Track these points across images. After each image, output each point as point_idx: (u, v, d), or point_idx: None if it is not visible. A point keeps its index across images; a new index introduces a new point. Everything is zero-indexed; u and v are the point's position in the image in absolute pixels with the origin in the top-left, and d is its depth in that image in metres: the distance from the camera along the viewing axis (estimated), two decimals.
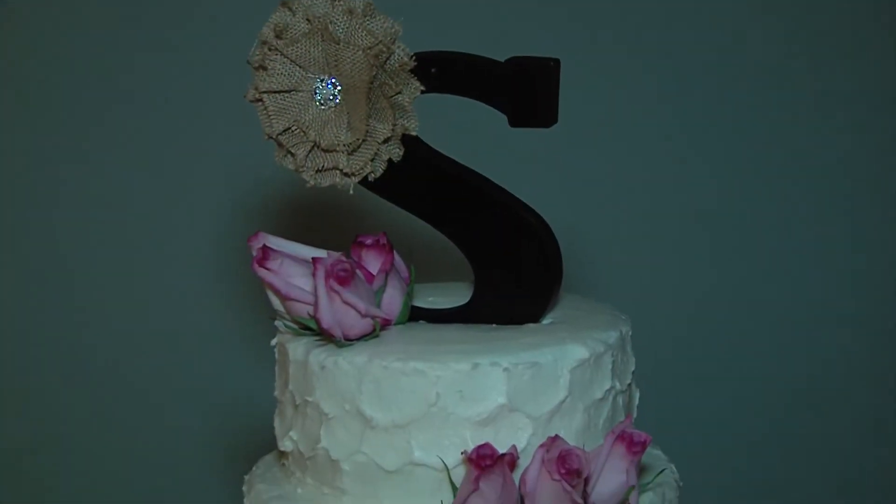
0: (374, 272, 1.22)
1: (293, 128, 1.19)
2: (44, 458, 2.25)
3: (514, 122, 1.20)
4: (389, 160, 1.19)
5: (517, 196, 1.22)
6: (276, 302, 1.22)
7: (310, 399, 1.18)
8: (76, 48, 2.11)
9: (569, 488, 1.11)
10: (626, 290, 2.20)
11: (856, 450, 2.39)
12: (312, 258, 1.18)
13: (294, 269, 1.19)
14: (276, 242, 1.21)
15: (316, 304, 1.17)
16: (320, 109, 1.18)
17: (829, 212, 2.30)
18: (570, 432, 1.16)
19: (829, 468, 2.39)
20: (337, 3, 1.16)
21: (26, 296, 2.19)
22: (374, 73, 1.16)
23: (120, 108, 2.12)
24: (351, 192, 1.21)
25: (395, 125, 1.18)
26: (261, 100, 1.18)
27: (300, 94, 1.18)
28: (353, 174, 1.19)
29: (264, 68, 1.18)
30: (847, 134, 2.29)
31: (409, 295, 1.24)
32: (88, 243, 2.17)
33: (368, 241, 1.23)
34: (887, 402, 2.38)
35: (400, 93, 1.18)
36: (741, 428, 2.36)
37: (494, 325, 1.24)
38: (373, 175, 1.19)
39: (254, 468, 1.29)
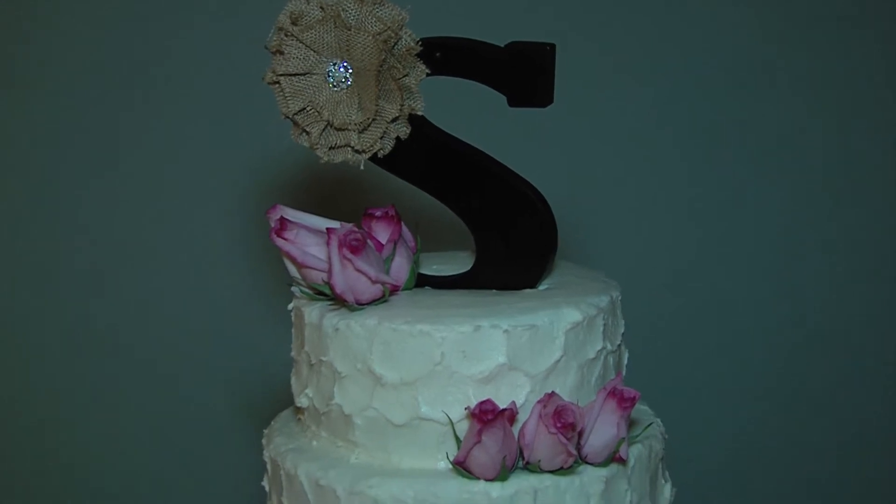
0: (384, 242, 1.22)
1: (308, 108, 1.18)
2: (75, 414, 2.25)
3: (513, 102, 1.19)
4: (397, 138, 1.19)
5: (515, 171, 1.22)
6: (292, 269, 1.22)
7: (324, 359, 1.18)
8: (103, 31, 2.11)
9: (564, 440, 1.11)
10: (616, 258, 2.20)
11: (845, 405, 2.39)
12: (326, 229, 1.18)
13: (309, 238, 1.19)
14: (292, 214, 1.21)
15: (330, 271, 1.17)
16: (333, 91, 1.18)
17: (815, 178, 2.30)
18: (565, 389, 1.16)
19: (813, 422, 2.39)
20: None
21: (53, 264, 2.19)
22: (383, 57, 1.16)
23: (149, 91, 2.11)
24: (362, 167, 1.21)
25: (402, 105, 1.18)
26: (278, 82, 1.18)
27: (314, 76, 1.18)
28: (363, 151, 1.19)
29: (281, 53, 1.17)
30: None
31: (415, 263, 1.24)
32: (120, 217, 2.17)
33: (378, 213, 1.22)
34: (878, 350, 2.38)
35: (407, 75, 1.18)
36: (725, 384, 2.36)
37: (494, 291, 1.24)
38: (382, 152, 1.19)
39: (272, 423, 1.29)
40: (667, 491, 1.24)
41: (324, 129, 1.19)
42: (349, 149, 1.19)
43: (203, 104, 2.11)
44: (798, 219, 2.31)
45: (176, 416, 2.26)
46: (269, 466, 1.24)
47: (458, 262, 1.29)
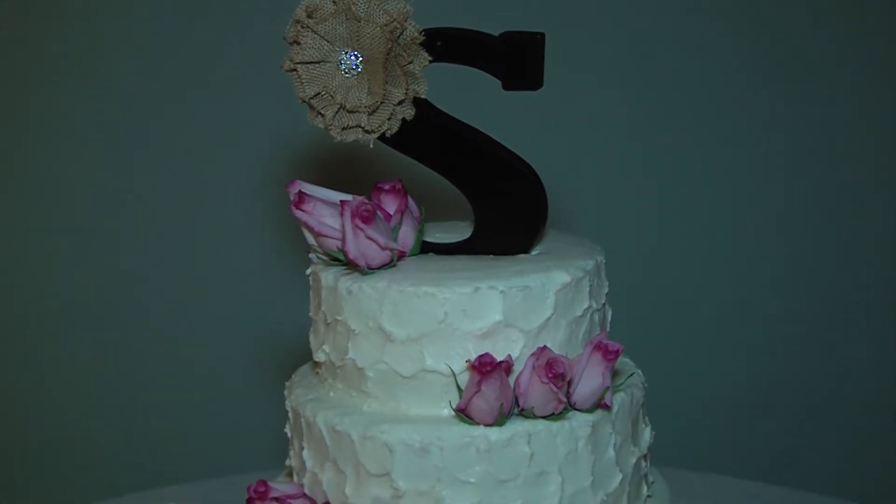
0: (392, 213, 1.22)
1: (322, 93, 1.18)
2: (114, 365, 2.26)
3: (507, 86, 1.19)
4: (403, 119, 1.19)
5: (509, 148, 1.22)
6: (310, 238, 1.22)
7: (339, 318, 1.19)
8: (142, 24, 2.11)
9: (555, 389, 1.12)
10: (601, 226, 2.20)
11: (818, 361, 2.39)
12: (340, 201, 1.18)
13: (325, 210, 1.19)
14: (309, 188, 1.21)
15: (343, 239, 1.18)
16: (345, 77, 1.18)
17: (787, 140, 2.29)
18: (555, 343, 1.16)
19: (787, 371, 2.39)
20: None
21: (96, 235, 2.19)
22: (390, 46, 1.16)
23: (182, 79, 2.11)
24: (371, 146, 1.21)
25: (407, 89, 1.18)
26: (295, 70, 1.18)
27: (328, 64, 1.18)
28: (372, 131, 1.19)
29: (298, 43, 1.17)
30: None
31: (420, 231, 1.25)
32: (156, 193, 2.17)
33: (386, 187, 1.22)
34: (859, 304, 2.37)
35: (411, 62, 1.17)
36: (699, 338, 2.36)
37: (491, 256, 1.24)
38: (389, 132, 1.19)
39: (293, 376, 1.30)
40: (647, 434, 1.25)
41: (337, 112, 1.19)
42: (360, 129, 1.19)
43: (229, 91, 2.11)
44: (775, 182, 2.30)
45: (208, 371, 2.26)
46: (290, 415, 1.25)
47: (459, 231, 1.29)
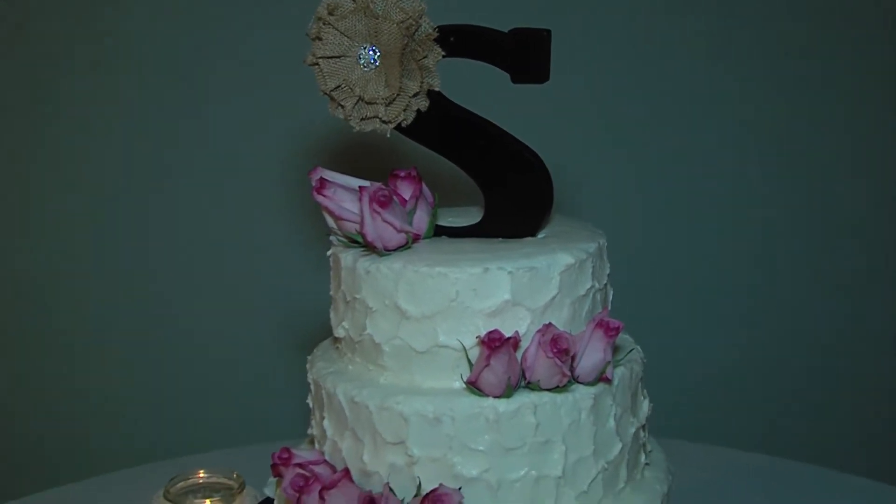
0: (407, 198, 1.22)
1: (342, 85, 1.18)
2: (151, 341, 2.27)
3: (515, 79, 1.20)
4: (418, 110, 1.19)
5: (517, 137, 1.22)
6: (330, 221, 1.22)
7: (357, 296, 1.19)
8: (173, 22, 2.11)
9: (559, 364, 1.12)
10: (603, 211, 2.20)
11: (808, 335, 2.39)
12: (359, 187, 1.19)
13: (344, 195, 1.20)
14: (330, 175, 1.21)
15: (362, 223, 1.18)
16: (364, 71, 1.18)
17: (786, 114, 2.28)
18: (560, 321, 1.17)
19: (776, 335, 2.39)
20: None
21: (136, 214, 2.20)
22: (406, 41, 1.16)
23: (214, 74, 2.12)
24: (388, 135, 1.21)
25: (422, 82, 1.18)
26: (317, 64, 1.18)
27: (348, 59, 1.18)
28: (389, 121, 1.19)
29: (320, 39, 1.17)
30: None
31: (433, 216, 1.25)
32: (191, 181, 2.18)
33: (402, 174, 1.23)
34: (854, 276, 2.37)
35: (426, 57, 1.18)
36: (694, 318, 2.36)
37: (500, 239, 1.24)
38: (405, 122, 1.19)
39: (315, 350, 1.30)
40: (645, 406, 1.25)
41: (356, 103, 1.19)
42: (377, 120, 1.19)
43: (256, 85, 2.12)
44: (768, 159, 2.30)
45: (236, 347, 2.27)
46: (312, 387, 1.25)
47: (470, 216, 1.29)
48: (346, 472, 1.14)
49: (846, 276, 2.37)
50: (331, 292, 1.26)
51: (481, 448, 1.12)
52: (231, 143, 2.16)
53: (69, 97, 2.13)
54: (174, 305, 2.26)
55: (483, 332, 1.12)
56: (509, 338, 1.11)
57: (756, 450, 1.97)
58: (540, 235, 1.25)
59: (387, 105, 1.18)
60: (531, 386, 1.14)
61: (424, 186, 1.24)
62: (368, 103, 1.18)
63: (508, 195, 1.23)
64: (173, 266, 2.23)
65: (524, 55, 1.18)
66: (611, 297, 1.27)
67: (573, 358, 1.14)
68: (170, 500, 1.68)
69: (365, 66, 1.18)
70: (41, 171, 2.17)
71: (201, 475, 1.74)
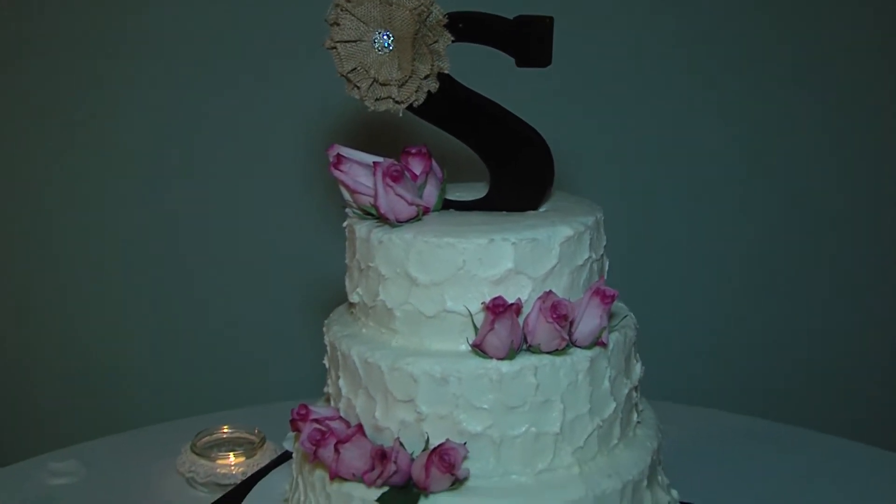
0: (418, 173, 1.22)
1: (358, 68, 1.18)
2: (178, 303, 2.28)
3: (520, 63, 1.19)
4: (429, 91, 1.19)
5: (521, 118, 1.22)
6: (346, 195, 1.22)
7: (371, 265, 1.19)
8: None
9: (559, 328, 1.12)
10: (601, 187, 2.20)
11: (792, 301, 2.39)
12: (373, 162, 1.19)
13: (359, 170, 1.20)
14: (346, 151, 1.21)
15: (375, 196, 1.18)
16: (378, 54, 1.18)
17: (794, 95, 2.28)
18: (559, 288, 1.17)
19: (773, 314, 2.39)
20: None
21: (167, 191, 2.20)
22: (418, 27, 1.15)
23: (239, 59, 2.12)
24: (400, 115, 1.21)
25: (432, 65, 1.18)
26: (335, 47, 1.18)
27: (363, 43, 1.17)
28: (402, 102, 1.19)
29: (337, 24, 1.17)
30: None
31: (442, 190, 1.25)
32: (219, 158, 2.19)
33: (413, 151, 1.22)
34: (842, 242, 2.36)
35: (436, 42, 1.17)
36: (685, 287, 2.36)
37: (505, 213, 1.24)
38: (416, 102, 1.19)
39: (331, 315, 1.30)
40: (637, 369, 1.25)
41: (371, 85, 1.18)
42: (391, 100, 1.19)
43: (278, 68, 2.12)
44: (762, 131, 2.29)
45: (259, 311, 2.28)
46: (328, 349, 1.25)
47: (476, 191, 1.29)
48: (360, 427, 1.15)
49: (836, 245, 2.36)
50: (346, 261, 1.26)
51: (485, 406, 1.12)
52: (257, 124, 2.16)
53: (107, 76, 2.14)
54: (203, 275, 2.26)
55: (488, 299, 1.12)
56: (512, 304, 1.11)
57: (739, 411, 1.97)
58: (542, 209, 1.25)
59: (399, 86, 1.18)
60: (532, 349, 1.14)
61: (434, 163, 1.24)
62: (382, 85, 1.18)
63: (512, 171, 1.23)
64: (203, 237, 2.23)
65: (527, 41, 1.17)
66: (607, 268, 1.27)
67: (571, 323, 1.15)
68: (196, 453, 1.69)
69: (379, 50, 1.18)
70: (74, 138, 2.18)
71: (225, 430, 1.76)
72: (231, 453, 1.70)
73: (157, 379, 2.34)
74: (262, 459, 1.67)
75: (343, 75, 1.19)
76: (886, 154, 2.33)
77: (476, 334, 1.14)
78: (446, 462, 1.08)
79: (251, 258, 2.26)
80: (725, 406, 2.03)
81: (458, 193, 1.28)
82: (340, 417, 1.19)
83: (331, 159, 1.20)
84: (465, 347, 1.15)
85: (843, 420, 2.34)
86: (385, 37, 1.17)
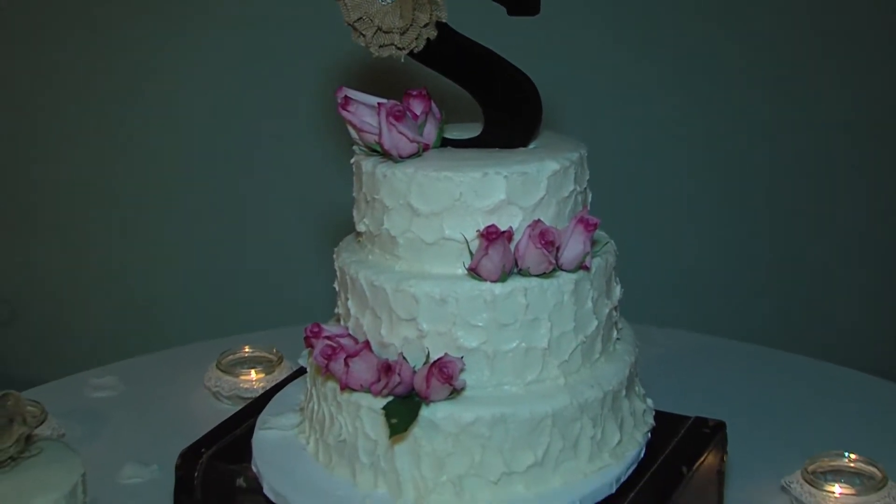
0: (418, 113, 1.20)
1: (364, 17, 1.16)
2: (207, 236, 2.28)
3: (511, 12, 1.17)
4: (428, 38, 1.17)
5: (512, 63, 1.20)
6: (353, 133, 1.20)
7: (376, 197, 1.18)
8: None
9: (546, 254, 1.11)
10: (586, 127, 2.18)
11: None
12: (377, 103, 1.17)
13: (365, 110, 1.18)
14: (353, 94, 1.19)
15: (380, 134, 1.16)
16: (382, 4, 1.16)
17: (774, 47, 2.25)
18: (547, 217, 1.16)
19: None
20: None
21: (206, 133, 2.20)
22: None
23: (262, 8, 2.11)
24: (402, 60, 1.19)
25: (431, 14, 1.16)
26: None
27: None
28: (403, 48, 1.17)
29: None
30: None
31: (441, 129, 1.23)
32: (241, 103, 2.18)
33: (414, 93, 1.20)
34: (818, 169, 2.35)
35: None
36: (663, 215, 2.35)
37: (497, 149, 1.22)
38: (416, 49, 1.17)
39: (340, 243, 1.29)
40: (617, 291, 1.25)
41: (375, 33, 1.17)
42: (393, 47, 1.17)
43: (291, 18, 2.09)
44: (752, 78, 2.27)
45: (276, 241, 2.29)
46: (338, 273, 1.24)
47: (472, 130, 1.26)
48: (367, 343, 1.14)
49: (808, 177, 2.35)
50: (353, 194, 1.25)
51: (480, 324, 1.12)
52: (272, 68, 2.15)
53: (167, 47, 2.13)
54: (227, 213, 2.26)
55: (482, 227, 1.11)
56: (504, 231, 1.10)
57: (712, 333, 1.97)
58: (531, 146, 1.23)
59: (401, 34, 1.16)
60: (522, 272, 1.13)
61: (433, 104, 1.22)
62: (385, 32, 1.16)
63: (504, 112, 1.21)
64: (226, 178, 2.23)
65: None
66: (590, 199, 1.25)
67: (558, 249, 1.14)
68: (221, 370, 1.70)
69: (383, 1, 1.16)
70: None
71: (247, 350, 1.76)
72: (252, 370, 1.71)
73: (186, 305, 2.35)
74: (279, 375, 1.67)
75: (350, 24, 1.17)
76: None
77: (472, 259, 1.13)
78: (445, 374, 1.08)
79: (268, 194, 2.25)
80: (698, 328, 2.04)
81: (455, 132, 1.26)
82: (349, 335, 1.19)
83: (339, 101, 1.18)
84: (461, 271, 1.14)
85: (806, 340, 2.35)
86: None
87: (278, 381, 1.49)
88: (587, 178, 1.24)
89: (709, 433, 1.28)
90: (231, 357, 1.74)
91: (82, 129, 2.25)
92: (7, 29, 2.24)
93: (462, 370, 1.10)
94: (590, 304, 1.17)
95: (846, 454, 1.39)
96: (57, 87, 2.26)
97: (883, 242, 2.38)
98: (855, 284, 2.42)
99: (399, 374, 1.10)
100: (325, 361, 1.13)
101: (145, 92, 2.21)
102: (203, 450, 1.25)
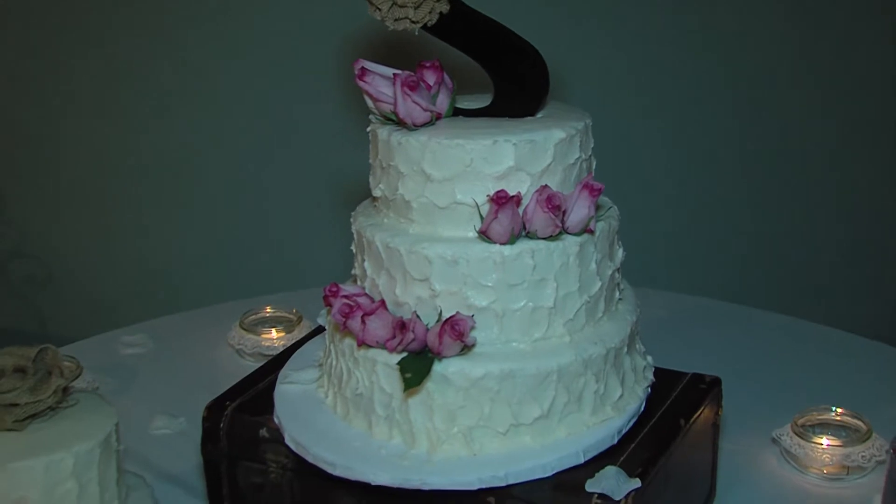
0: (431, 84, 1.18)
1: None
2: (230, 201, 2.27)
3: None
4: (441, 13, 1.15)
5: (521, 35, 1.19)
6: (370, 103, 1.19)
7: (392, 163, 1.17)
8: None
9: (553, 217, 1.10)
10: (591, 98, 2.17)
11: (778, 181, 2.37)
12: (393, 74, 1.15)
13: (381, 81, 1.16)
14: (369, 65, 1.17)
15: (395, 103, 1.15)
16: None
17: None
18: (553, 183, 1.14)
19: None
20: None
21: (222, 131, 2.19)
22: None
23: None
24: (416, 33, 1.17)
25: None
26: None
27: None
28: (417, 22, 1.15)
29: None
30: None
31: (453, 99, 1.21)
32: (266, 75, 2.17)
33: (427, 64, 1.19)
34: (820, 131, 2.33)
35: None
36: (665, 181, 2.34)
37: (507, 118, 1.21)
38: (430, 22, 1.15)
39: (357, 207, 1.28)
40: (619, 253, 1.24)
41: (391, 7, 1.15)
42: (408, 20, 1.15)
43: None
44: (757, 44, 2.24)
45: (297, 205, 2.28)
46: (355, 236, 1.23)
47: (482, 100, 1.25)
48: (382, 302, 1.13)
49: (795, 140, 2.33)
50: (370, 160, 1.23)
51: (490, 284, 1.11)
52: (294, 42, 2.14)
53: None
54: (251, 181, 2.26)
55: (492, 192, 1.10)
56: (513, 196, 1.09)
57: (711, 296, 1.97)
58: (538, 115, 1.22)
59: (415, 8, 1.14)
60: (530, 235, 1.12)
61: (445, 75, 1.20)
62: (401, 6, 1.14)
63: (513, 83, 1.20)
64: (250, 148, 2.22)
65: None
66: (594, 166, 1.24)
67: (564, 213, 1.12)
68: (244, 329, 1.70)
69: None
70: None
71: (268, 310, 1.76)
72: (273, 329, 1.71)
73: (212, 268, 2.35)
74: (298, 334, 1.67)
75: None
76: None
77: (482, 222, 1.12)
78: (457, 331, 1.07)
79: (291, 160, 2.25)
80: (697, 291, 2.03)
81: (466, 102, 1.25)
82: (366, 294, 1.18)
83: (356, 72, 1.17)
84: (472, 234, 1.13)
85: (797, 302, 2.34)
86: None
87: (298, 339, 1.49)
88: (592, 146, 1.22)
89: (705, 389, 1.27)
90: (253, 317, 1.74)
91: (115, 99, 2.24)
92: None
93: (473, 328, 1.09)
94: (594, 265, 1.16)
95: (833, 408, 1.39)
96: (93, 57, 2.25)
97: (862, 205, 2.37)
98: (842, 248, 2.41)
99: (413, 332, 1.09)
100: (343, 319, 1.13)
101: (174, 64, 2.19)
102: (228, 402, 1.25)
